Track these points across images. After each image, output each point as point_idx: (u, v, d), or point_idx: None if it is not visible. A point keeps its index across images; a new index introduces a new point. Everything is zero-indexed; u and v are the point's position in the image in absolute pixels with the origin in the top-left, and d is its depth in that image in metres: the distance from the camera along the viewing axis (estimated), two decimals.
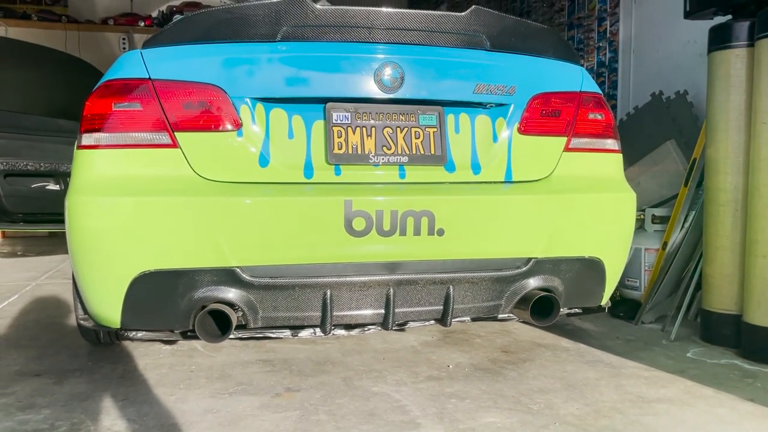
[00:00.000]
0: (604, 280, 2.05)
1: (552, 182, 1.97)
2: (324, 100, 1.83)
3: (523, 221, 1.89)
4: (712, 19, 2.86)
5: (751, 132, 2.53)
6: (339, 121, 1.82)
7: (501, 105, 1.95)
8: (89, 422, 1.86)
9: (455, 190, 1.87)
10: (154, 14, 8.52)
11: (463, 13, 1.91)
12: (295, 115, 1.81)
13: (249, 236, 1.71)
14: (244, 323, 1.80)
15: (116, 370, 2.34)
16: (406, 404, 2.00)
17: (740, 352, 2.54)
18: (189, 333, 1.89)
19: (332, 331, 1.89)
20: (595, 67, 4.95)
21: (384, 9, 1.84)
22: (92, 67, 5.26)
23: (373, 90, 1.83)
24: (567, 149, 2.01)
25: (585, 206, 1.98)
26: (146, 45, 1.82)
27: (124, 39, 8.41)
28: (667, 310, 3.00)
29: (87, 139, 1.75)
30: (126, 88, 1.75)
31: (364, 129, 1.84)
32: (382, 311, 1.85)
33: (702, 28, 2.95)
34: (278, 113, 1.81)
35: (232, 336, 1.82)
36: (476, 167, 1.92)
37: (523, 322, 2.71)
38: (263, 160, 1.77)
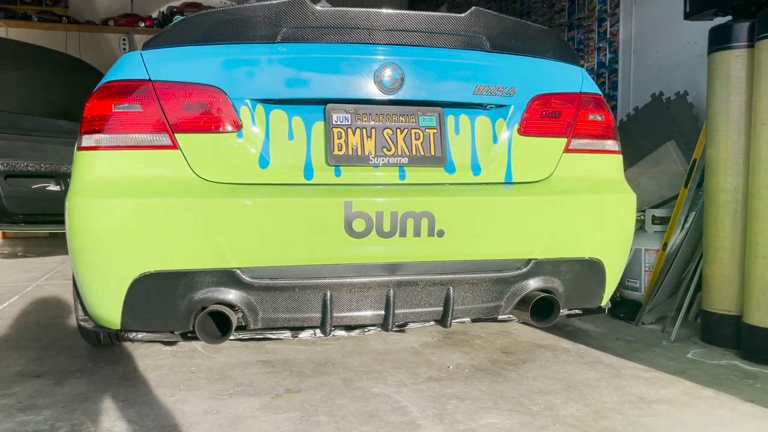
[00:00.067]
0: (604, 281, 2.05)
1: (552, 183, 1.97)
2: (324, 102, 1.83)
3: (523, 222, 1.89)
4: (712, 19, 2.86)
5: (751, 133, 2.53)
6: (339, 123, 1.83)
7: (501, 106, 1.95)
8: (89, 423, 1.86)
9: (455, 192, 1.87)
10: (155, 15, 8.52)
11: (462, 15, 1.91)
12: (295, 117, 1.82)
13: (249, 237, 1.71)
14: (244, 324, 1.81)
15: (116, 371, 2.34)
16: (406, 405, 2.00)
17: (740, 353, 2.54)
18: (189, 334, 1.89)
19: (332, 332, 1.89)
20: (596, 68, 4.95)
21: (384, 10, 1.84)
22: (92, 68, 5.27)
23: (373, 91, 1.83)
24: (567, 150, 2.01)
25: (585, 207, 1.98)
26: (146, 46, 1.82)
27: (124, 40, 8.41)
28: (668, 311, 3.00)
29: (87, 140, 1.76)
30: (126, 90, 1.75)
31: (364, 130, 1.84)
32: (382, 312, 1.85)
33: (702, 28, 2.95)
34: (278, 114, 1.81)
35: (232, 337, 1.83)
36: (476, 168, 1.92)
37: (523, 323, 2.71)
38: (263, 162, 1.77)
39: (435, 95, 1.89)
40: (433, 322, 1.98)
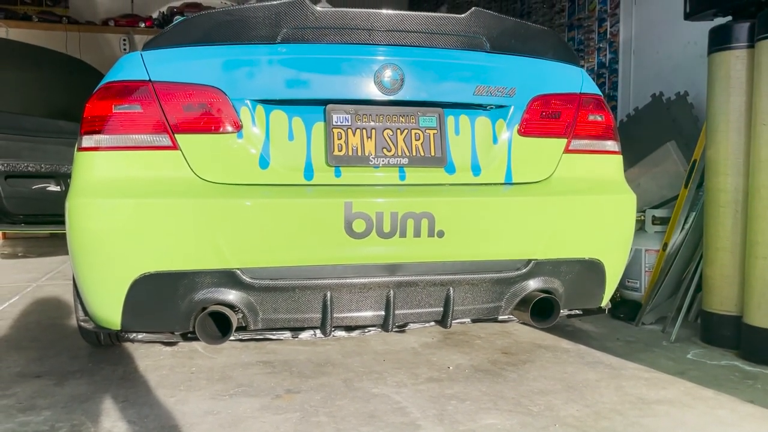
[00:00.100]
0: (604, 282, 2.05)
1: (552, 184, 1.97)
2: (324, 102, 1.83)
3: (523, 223, 1.89)
4: (712, 20, 2.86)
5: (751, 133, 2.53)
6: (339, 123, 1.83)
7: (501, 107, 1.95)
8: (90, 424, 1.86)
9: (455, 192, 1.87)
10: (155, 15, 8.52)
11: (463, 15, 1.91)
12: (296, 117, 1.82)
13: (249, 238, 1.71)
14: (244, 325, 1.81)
15: (117, 371, 2.34)
16: (407, 406, 2.00)
17: (740, 354, 2.54)
18: (189, 335, 1.89)
19: (332, 333, 1.89)
20: (596, 68, 4.95)
21: (384, 11, 1.84)
22: (93, 69, 5.27)
23: (373, 92, 1.83)
24: (567, 151, 2.01)
25: (585, 208, 1.98)
26: (146, 47, 1.82)
27: (124, 40, 8.41)
28: (668, 312, 3.00)
29: (87, 141, 1.76)
30: (126, 90, 1.75)
31: (364, 131, 1.84)
32: (383, 313, 1.85)
33: (702, 29, 2.95)
34: (278, 115, 1.81)
35: (232, 337, 1.83)
36: (476, 169, 1.92)
37: (524, 323, 2.71)
38: (263, 162, 1.77)
39: (435, 96, 1.89)
40: (433, 323, 1.98)
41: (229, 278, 1.73)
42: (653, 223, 3.25)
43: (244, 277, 1.72)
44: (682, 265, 3.02)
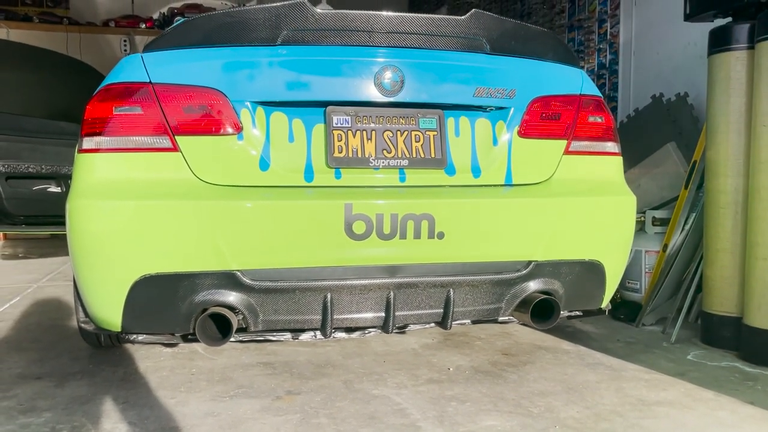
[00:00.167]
0: (604, 283, 2.05)
1: (552, 185, 1.97)
2: (324, 104, 1.83)
3: (523, 224, 1.89)
4: (712, 21, 2.86)
5: (751, 134, 2.53)
6: (339, 125, 1.83)
7: (501, 108, 1.96)
8: (90, 425, 1.87)
9: (455, 194, 1.87)
10: (156, 16, 8.53)
11: (463, 17, 1.91)
12: (296, 119, 1.82)
13: (249, 240, 1.71)
14: (244, 326, 1.81)
15: (117, 373, 2.34)
16: (407, 407, 2.01)
17: (741, 355, 2.54)
18: (190, 336, 1.89)
19: (333, 334, 1.89)
20: (596, 69, 4.95)
21: (384, 13, 1.84)
22: (93, 70, 5.27)
23: (373, 93, 1.83)
24: (567, 152, 2.01)
25: (585, 209, 1.98)
26: (147, 49, 1.82)
27: (125, 41, 8.42)
28: (668, 313, 3.00)
29: (88, 142, 1.76)
30: (127, 92, 1.75)
31: (364, 132, 1.84)
32: (383, 314, 1.85)
33: (702, 30, 2.95)
34: (279, 117, 1.81)
35: (232, 339, 1.83)
36: (476, 170, 1.92)
37: (524, 324, 2.71)
38: (264, 164, 1.78)
39: (435, 97, 1.89)
40: (433, 324, 1.98)
41: (229, 280, 1.73)
42: (653, 224, 3.25)
43: (244, 279, 1.73)
44: (682, 266, 3.02)
